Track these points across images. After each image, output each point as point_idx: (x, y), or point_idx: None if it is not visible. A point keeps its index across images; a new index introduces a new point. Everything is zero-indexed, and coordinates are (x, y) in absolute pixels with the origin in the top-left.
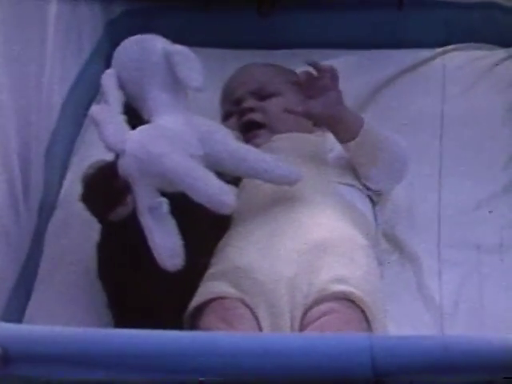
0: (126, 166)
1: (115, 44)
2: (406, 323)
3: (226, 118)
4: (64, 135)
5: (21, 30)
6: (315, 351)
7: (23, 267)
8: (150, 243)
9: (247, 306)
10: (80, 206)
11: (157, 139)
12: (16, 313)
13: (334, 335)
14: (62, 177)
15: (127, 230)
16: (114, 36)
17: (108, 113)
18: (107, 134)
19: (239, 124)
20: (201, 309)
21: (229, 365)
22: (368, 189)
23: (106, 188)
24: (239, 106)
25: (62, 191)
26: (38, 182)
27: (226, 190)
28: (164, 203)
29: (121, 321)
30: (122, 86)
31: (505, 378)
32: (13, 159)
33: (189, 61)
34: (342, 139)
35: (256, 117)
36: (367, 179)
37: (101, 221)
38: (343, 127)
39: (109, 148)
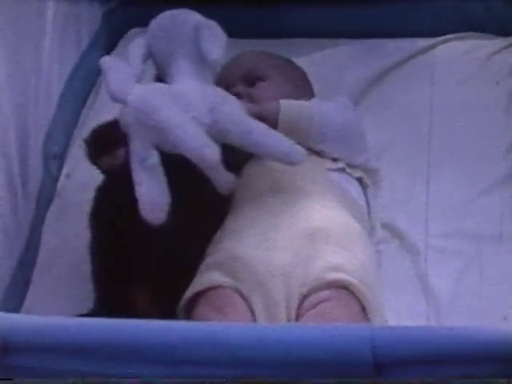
0: (125, 116)
1: (113, 35)
2: (404, 313)
3: None
4: (62, 126)
5: (18, 21)
6: (315, 342)
7: (21, 257)
8: (137, 194)
9: (242, 295)
10: (78, 196)
11: (159, 94)
12: (14, 303)
13: (334, 325)
14: (60, 167)
15: (121, 181)
16: (112, 27)
17: (118, 63)
18: (112, 84)
19: None
20: (195, 299)
21: (224, 356)
22: (351, 166)
23: (103, 136)
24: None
25: (60, 181)
26: (36, 173)
27: (210, 145)
28: (154, 155)
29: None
30: (152, 55)
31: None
32: (11, 150)
33: (214, 35)
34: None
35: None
36: (326, 151)
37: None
38: (264, 118)
39: (112, 97)
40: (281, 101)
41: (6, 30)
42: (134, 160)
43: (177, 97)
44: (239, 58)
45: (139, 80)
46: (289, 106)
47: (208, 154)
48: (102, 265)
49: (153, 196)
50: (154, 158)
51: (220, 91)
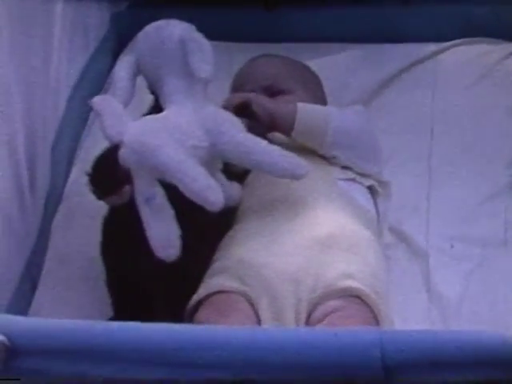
0: (124, 157)
1: (121, 38)
2: (411, 318)
3: None
4: (70, 129)
5: (26, 25)
6: (324, 346)
7: (29, 260)
8: (147, 233)
9: (249, 299)
10: (86, 200)
11: (154, 131)
12: (22, 306)
13: (343, 330)
14: (68, 171)
15: (128, 215)
16: (120, 30)
17: (109, 103)
18: (106, 125)
19: None
20: (201, 303)
21: (235, 360)
22: (363, 175)
23: (106, 174)
24: None
25: (68, 185)
26: (44, 176)
27: (213, 187)
28: (159, 194)
29: (119, 304)
30: (142, 72)
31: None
32: (19, 153)
33: (201, 50)
34: (285, 131)
35: None
36: (339, 157)
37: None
38: (281, 118)
39: (107, 139)
40: (298, 103)
41: (13, 34)
42: (139, 200)
43: (171, 128)
44: (260, 67)
45: (128, 102)
46: (305, 109)
47: (211, 197)
48: (119, 294)
49: (163, 235)
50: (159, 196)
51: (216, 110)
